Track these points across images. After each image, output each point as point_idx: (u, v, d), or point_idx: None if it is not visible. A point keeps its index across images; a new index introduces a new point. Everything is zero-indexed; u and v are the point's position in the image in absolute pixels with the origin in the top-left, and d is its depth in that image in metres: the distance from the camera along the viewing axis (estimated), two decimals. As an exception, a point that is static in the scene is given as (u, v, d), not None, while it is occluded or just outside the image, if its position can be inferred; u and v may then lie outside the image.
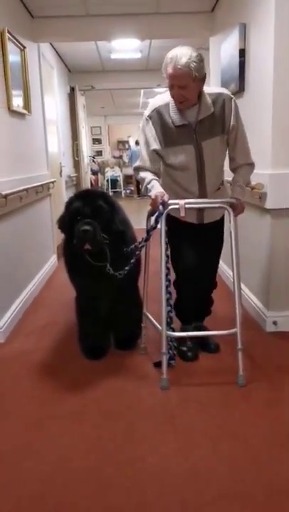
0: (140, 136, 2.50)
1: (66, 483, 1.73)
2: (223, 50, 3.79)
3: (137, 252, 2.53)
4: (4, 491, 1.70)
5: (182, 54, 2.19)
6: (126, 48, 5.58)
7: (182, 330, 2.75)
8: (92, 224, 2.33)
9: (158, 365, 2.49)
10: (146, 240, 2.49)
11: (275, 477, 1.72)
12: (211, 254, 2.70)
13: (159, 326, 2.46)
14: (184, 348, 2.70)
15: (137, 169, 2.50)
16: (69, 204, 2.47)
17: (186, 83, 2.22)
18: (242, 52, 3.29)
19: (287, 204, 2.83)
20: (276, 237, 2.91)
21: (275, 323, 3.00)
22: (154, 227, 2.43)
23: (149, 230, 2.46)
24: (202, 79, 2.27)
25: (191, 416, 2.14)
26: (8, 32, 3.32)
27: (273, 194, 2.82)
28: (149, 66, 6.75)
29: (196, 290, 2.72)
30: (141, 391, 2.36)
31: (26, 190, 3.54)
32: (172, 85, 2.26)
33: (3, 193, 2.94)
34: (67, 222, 2.45)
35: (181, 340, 2.72)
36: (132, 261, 2.47)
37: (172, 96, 2.32)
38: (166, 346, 2.40)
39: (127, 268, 2.44)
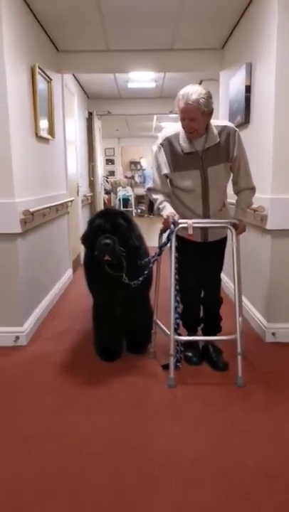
0: (153, 161, 2.82)
1: (83, 463, 2.00)
2: (232, 85, 4.15)
3: (150, 265, 2.82)
4: (28, 469, 1.97)
5: (193, 91, 2.50)
6: (142, 78, 5.99)
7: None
8: (111, 238, 2.63)
9: (166, 367, 2.78)
10: (159, 254, 2.80)
11: (268, 459, 1.99)
12: (213, 269, 2.95)
13: (167, 331, 2.76)
14: (190, 354, 2.99)
15: (150, 190, 2.82)
16: (92, 221, 2.79)
17: (196, 116, 2.52)
18: (248, 89, 3.64)
19: (285, 225, 3.13)
20: (276, 255, 3.21)
21: (274, 334, 3.27)
22: (166, 243, 2.72)
23: (161, 246, 2.77)
24: (210, 113, 2.57)
25: (194, 409, 2.42)
26: (38, 67, 3.71)
27: (273, 216, 3.12)
28: (162, 94, 7.15)
29: (204, 308, 3.02)
30: (150, 388, 2.65)
31: (49, 208, 3.89)
32: (183, 118, 2.56)
33: (31, 210, 3.28)
34: (90, 237, 2.75)
35: (187, 346, 3.00)
36: (146, 272, 2.77)
37: (183, 127, 2.62)
38: (173, 349, 2.69)
39: (140, 279, 2.74)
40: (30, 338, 3.43)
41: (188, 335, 3.06)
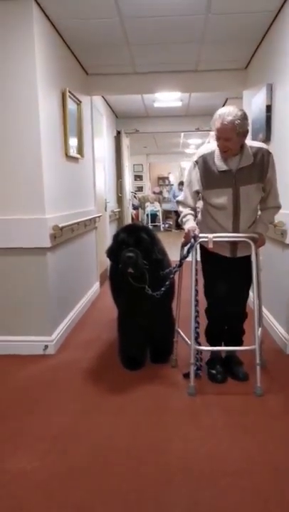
0: (186, 176, 2.90)
1: (107, 457, 2.16)
2: (254, 104, 4.29)
3: (171, 276, 2.92)
4: (57, 462, 2.14)
5: (229, 113, 2.56)
6: (168, 98, 6.19)
7: (211, 354, 3.09)
8: (135, 252, 2.78)
9: (187, 376, 2.88)
10: (180, 266, 2.91)
11: (280, 460, 2.08)
12: (241, 285, 2.97)
13: (188, 341, 2.87)
14: (214, 371, 3.01)
15: (178, 202, 2.93)
16: (116, 236, 2.95)
17: (231, 136, 2.58)
18: (268, 108, 3.78)
19: (304, 240, 3.23)
20: (295, 269, 3.30)
21: (294, 346, 3.35)
22: (186, 257, 2.83)
23: (182, 259, 2.88)
24: (244, 133, 2.63)
25: (212, 415, 2.53)
26: (69, 91, 3.95)
27: (293, 231, 3.22)
28: (188, 112, 7.35)
29: (227, 320, 3.05)
30: (171, 395, 2.77)
31: (77, 223, 4.09)
32: (219, 137, 2.63)
33: (60, 225, 3.48)
34: (114, 250, 2.90)
35: (211, 364, 3.06)
36: (167, 283, 2.88)
37: (218, 145, 2.68)
38: (194, 358, 2.80)
39: (163, 289, 2.86)
40: (59, 347, 3.61)
41: (213, 352, 3.09)
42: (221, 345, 3.14)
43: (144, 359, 3.22)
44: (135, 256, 2.76)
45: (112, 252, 2.95)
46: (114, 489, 1.94)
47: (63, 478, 2.03)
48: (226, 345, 3.14)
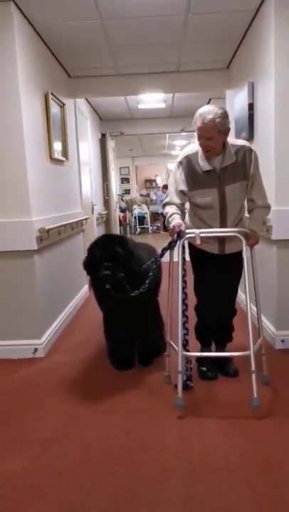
0: (171, 177, 2.89)
1: (99, 458, 2.16)
2: (236, 103, 4.32)
3: (150, 275, 2.78)
4: (49, 465, 2.13)
5: (209, 111, 2.57)
6: (152, 99, 6.21)
7: (201, 351, 3.06)
8: (110, 267, 2.71)
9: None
10: (161, 256, 2.80)
11: (272, 455, 2.09)
12: (230, 282, 2.96)
13: (176, 347, 2.68)
14: (204, 368, 2.98)
15: (165, 205, 2.85)
16: (90, 250, 2.89)
17: (212, 135, 2.58)
18: (251, 106, 3.81)
19: (289, 236, 3.25)
20: (282, 264, 3.32)
21: (283, 341, 3.37)
22: (167, 249, 2.73)
23: (163, 250, 2.76)
24: (226, 132, 2.63)
25: (204, 413, 2.54)
26: (51, 94, 3.94)
27: (278, 227, 3.24)
28: (173, 114, 7.38)
29: (217, 317, 3.02)
30: (163, 394, 2.77)
31: (64, 226, 4.08)
32: (200, 136, 2.63)
33: (47, 227, 3.47)
34: (90, 265, 2.85)
35: (201, 361, 3.03)
36: (147, 282, 2.73)
37: (200, 145, 2.69)
38: (182, 366, 2.61)
39: (141, 289, 2.71)
40: (49, 350, 3.59)
41: (202, 349, 3.09)
42: (210, 343, 3.13)
43: (133, 358, 3.21)
44: (111, 272, 2.71)
45: (88, 267, 2.90)
46: (108, 488, 1.93)
47: (56, 479, 2.02)
48: (216, 342, 3.13)
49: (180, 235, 2.66)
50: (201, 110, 2.63)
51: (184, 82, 5.05)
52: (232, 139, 2.78)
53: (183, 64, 4.75)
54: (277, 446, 2.18)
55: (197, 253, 2.85)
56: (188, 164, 2.76)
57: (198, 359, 3.06)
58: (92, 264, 2.84)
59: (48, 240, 3.62)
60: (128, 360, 3.18)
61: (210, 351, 3.10)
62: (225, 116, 2.60)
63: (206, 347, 3.11)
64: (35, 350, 3.46)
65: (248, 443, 2.21)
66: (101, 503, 1.85)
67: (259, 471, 1.99)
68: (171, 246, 2.72)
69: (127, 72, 4.94)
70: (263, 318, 3.66)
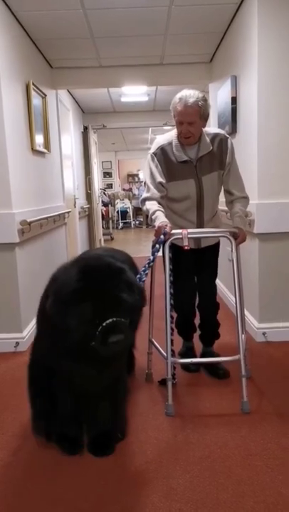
0: (146, 170, 2.71)
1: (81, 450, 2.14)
2: (219, 97, 4.33)
3: (144, 278, 2.38)
4: (29, 460, 2.11)
5: (190, 95, 2.47)
6: (135, 92, 6.18)
7: (183, 346, 3.04)
8: (124, 328, 1.77)
9: (162, 382, 2.66)
10: (149, 267, 2.48)
11: (252, 444, 2.12)
12: (208, 275, 2.89)
13: (164, 353, 2.55)
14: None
15: (144, 200, 2.67)
16: (75, 289, 1.76)
17: (194, 120, 2.48)
18: (234, 100, 3.81)
19: (271, 229, 3.28)
20: (263, 258, 3.35)
21: (264, 334, 3.40)
22: (154, 259, 2.48)
23: (150, 262, 2.48)
24: (206, 117, 2.55)
25: (186, 404, 2.54)
26: (33, 84, 3.89)
27: (260, 221, 3.26)
28: (156, 107, 7.36)
29: (201, 315, 2.93)
30: (144, 385, 2.78)
31: (46, 219, 4.04)
32: (181, 122, 2.50)
33: (28, 220, 3.43)
34: (80, 327, 1.75)
35: (185, 354, 2.99)
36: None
37: (179, 132, 2.56)
38: (170, 372, 2.49)
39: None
40: (30, 344, 3.55)
41: (185, 344, 3.05)
42: (193, 337, 3.04)
43: (82, 439, 2.17)
44: (125, 337, 1.79)
45: (70, 317, 1.75)
46: (90, 481, 1.93)
47: (37, 473, 2.00)
48: (202, 341, 3.02)
49: (166, 235, 2.47)
50: (181, 94, 2.51)
51: (167, 75, 5.04)
52: (205, 128, 2.66)
53: (166, 57, 4.74)
54: (258, 436, 2.20)
55: (173, 248, 2.62)
56: (163, 155, 2.64)
57: (182, 353, 3.02)
58: (82, 324, 1.74)
59: (29, 232, 3.58)
60: (77, 441, 2.14)
61: (193, 345, 3.07)
62: (206, 100, 2.52)
63: (188, 341, 3.06)
64: (17, 344, 3.43)
65: (230, 434, 2.22)
66: (83, 496, 1.84)
67: (240, 460, 2.02)
68: (158, 250, 2.50)
69: (110, 64, 4.90)
70: (245, 311, 3.70)
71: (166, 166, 2.64)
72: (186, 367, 2.95)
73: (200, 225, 2.74)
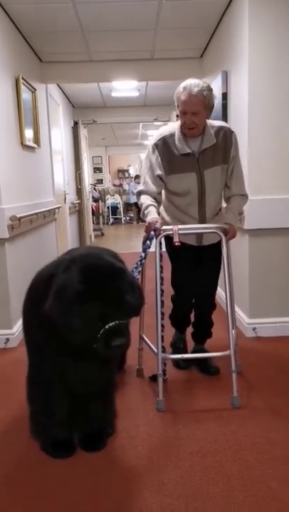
0: (145, 162, 2.63)
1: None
2: (210, 92, 4.32)
3: (137, 275, 2.38)
4: (23, 453, 2.11)
5: (195, 84, 2.38)
6: (125, 87, 6.15)
7: (175, 336, 3.02)
8: (126, 331, 1.78)
9: (153, 379, 2.65)
10: (144, 258, 2.48)
11: (242, 439, 2.13)
12: (209, 274, 2.79)
13: (154, 349, 2.54)
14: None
15: (139, 193, 2.62)
16: (77, 289, 1.71)
17: (199, 110, 2.39)
18: (224, 96, 3.81)
19: (261, 225, 3.29)
20: (253, 253, 3.36)
21: (254, 329, 3.42)
22: (144, 256, 2.46)
23: (142, 260, 2.46)
24: (211, 108, 2.47)
25: (177, 400, 2.56)
26: (22, 78, 3.85)
27: (250, 217, 3.27)
28: (146, 102, 7.34)
29: (196, 312, 2.89)
30: (136, 381, 2.79)
31: (36, 214, 4.01)
32: (185, 112, 2.41)
33: (18, 215, 3.40)
34: (82, 330, 1.72)
35: (175, 350, 2.96)
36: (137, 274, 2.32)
37: (183, 123, 2.46)
38: (161, 368, 2.48)
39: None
40: (21, 340, 3.53)
41: (177, 334, 3.01)
42: (186, 330, 3.01)
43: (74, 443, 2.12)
44: (127, 337, 1.81)
45: (71, 318, 1.71)
46: (81, 476, 1.92)
47: (29, 468, 2.00)
48: (194, 339, 2.98)
49: (156, 231, 2.44)
50: (185, 83, 2.42)
51: (157, 71, 5.03)
52: (209, 121, 2.57)
53: (157, 52, 4.72)
54: (248, 431, 2.21)
55: (172, 246, 2.54)
56: (164, 146, 2.54)
57: (173, 347, 3.01)
58: (85, 326, 1.71)
59: (19, 228, 3.55)
60: (70, 444, 2.10)
61: (185, 337, 3.04)
62: (211, 89, 2.44)
63: (181, 334, 3.02)
64: (7, 340, 3.41)
65: (220, 429, 2.23)
66: (71, 490, 1.84)
67: (230, 454, 2.03)
68: (149, 247, 2.46)
69: (100, 58, 4.87)
70: (235, 307, 3.71)
71: (167, 158, 2.55)
72: (176, 364, 2.93)
73: (202, 221, 2.64)
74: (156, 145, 2.57)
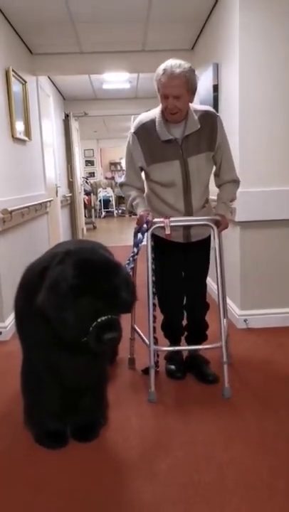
0: (126, 153, 2.50)
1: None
2: (201, 84, 4.29)
3: (130, 268, 2.34)
4: (15, 446, 2.12)
5: (177, 65, 2.21)
6: (116, 79, 6.13)
7: (170, 351, 2.76)
8: (118, 325, 1.80)
9: (146, 372, 2.63)
10: (133, 259, 2.42)
11: (233, 429, 2.16)
12: (198, 272, 2.67)
13: (146, 341, 2.52)
14: (173, 367, 2.73)
15: (122, 185, 2.55)
16: (76, 290, 1.72)
17: (181, 93, 2.22)
18: (215, 88, 3.81)
19: (252, 217, 3.30)
20: (244, 246, 3.38)
21: (245, 321, 3.44)
22: (137, 249, 2.41)
23: (134, 254, 2.42)
24: (194, 91, 2.29)
25: (168, 392, 2.57)
26: (12, 70, 3.82)
27: (241, 209, 3.28)
28: (138, 94, 7.32)
29: (188, 315, 2.71)
30: (127, 374, 2.81)
31: (28, 207, 4.00)
32: (167, 95, 2.24)
33: (9, 209, 3.39)
34: (77, 325, 1.74)
35: (170, 359, 2.78)
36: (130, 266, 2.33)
37: (165, 108, 2.30)
38: (153, 360, 2.44)
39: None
40: (13, 333, 3.53)
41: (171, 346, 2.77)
42: (180, 341, 2.79)
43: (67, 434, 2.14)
44: (119, 332, 1.82)
45: (65, 311, 1.72)
46: (73, 467, 1.94)
47: (21, 459, 2.02)
48: (188, 342, 2.78)
49: (148, 223, 2.37)
50: (165, 64, 2.25)
51: (148, 62, 4.97)
52: (193, 105, 2.42)
53: (148, 43, 4.70)
54: (239, 420, 2.24)
55: (159, 241, 2.47)
56: (144, 134, 2.38)
57: (168, 357, 2.82)
58: (82, 319, 1.73)
59: (11, 221, 3.54)
60: (63, 434, 2.12)
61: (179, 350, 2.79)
62: (193, 71, 2.28)
63: (175, 344, 2.76)
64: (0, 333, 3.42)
65: (211, 419, 2.26)
66: (68, 481, 1.86)
67: (221, 444, 2.05)
68: (140, 241, 2.39)
69: (91, 50, 4.84)
70: (227, 299, 3.73)
71: (148, 147, 2.39)
72: (170, 374, 2.74)
73: (188, 214, 2.48)
74: (135, 133, 2.42)
